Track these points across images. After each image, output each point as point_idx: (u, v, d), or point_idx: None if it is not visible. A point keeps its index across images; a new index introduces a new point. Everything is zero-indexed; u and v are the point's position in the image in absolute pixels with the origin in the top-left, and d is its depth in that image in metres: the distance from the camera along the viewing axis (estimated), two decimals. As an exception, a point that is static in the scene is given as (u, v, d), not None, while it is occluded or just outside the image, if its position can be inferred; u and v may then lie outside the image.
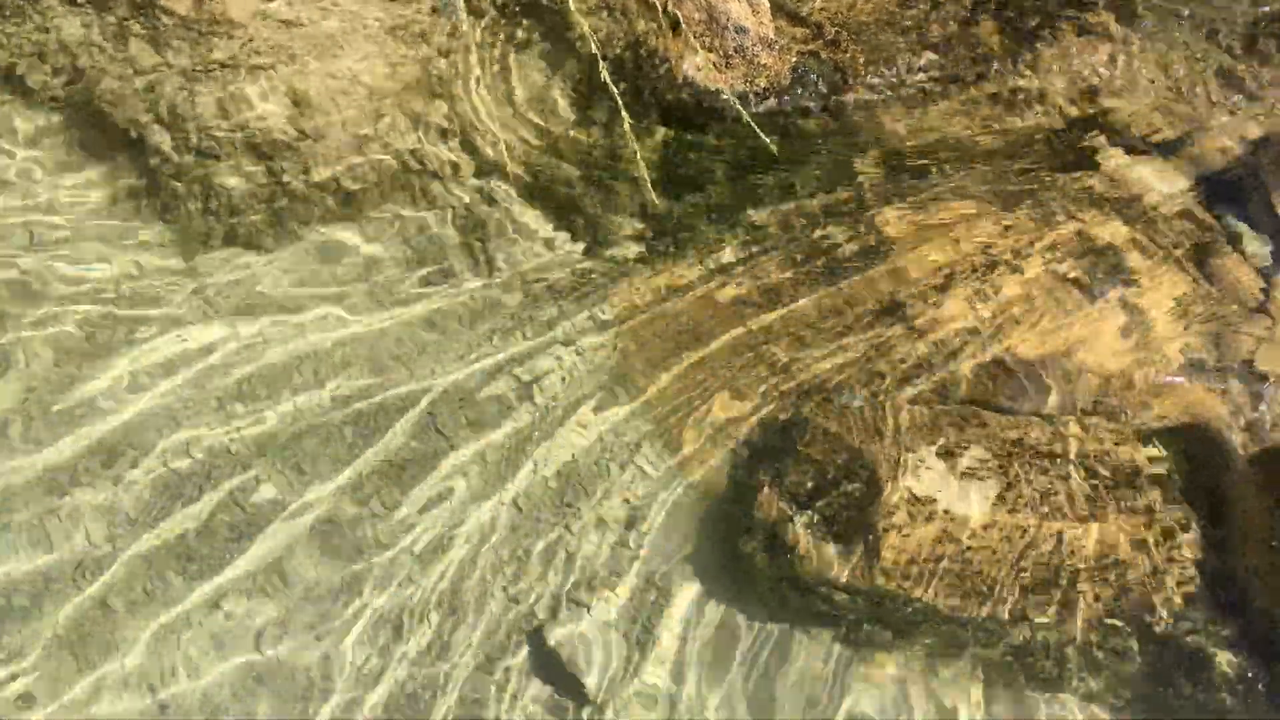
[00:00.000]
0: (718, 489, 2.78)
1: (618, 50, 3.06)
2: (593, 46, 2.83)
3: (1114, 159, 3.13)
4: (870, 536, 2.46)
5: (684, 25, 2.98)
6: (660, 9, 2.99)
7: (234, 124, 3.02)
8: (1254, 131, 3.12)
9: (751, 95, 3.03)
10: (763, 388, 2.87)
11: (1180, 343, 2.83)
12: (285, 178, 3.02)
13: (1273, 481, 2.29)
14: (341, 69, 3.11)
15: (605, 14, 3.11)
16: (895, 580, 2.43)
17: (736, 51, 2.98)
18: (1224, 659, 2.27)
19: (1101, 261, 2.93)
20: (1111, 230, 2.98)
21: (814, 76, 3.09)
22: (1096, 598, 2.37)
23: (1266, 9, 3.27)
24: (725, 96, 2.97)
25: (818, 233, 3.03)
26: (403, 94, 3.13)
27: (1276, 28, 3.26)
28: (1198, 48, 3.27)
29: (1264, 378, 2.76)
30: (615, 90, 2.78)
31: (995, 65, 3.19)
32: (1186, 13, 3.29)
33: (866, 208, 3.05)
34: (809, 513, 2.57)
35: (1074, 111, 3.19)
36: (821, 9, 3.21)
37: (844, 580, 2.46)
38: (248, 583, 2.54)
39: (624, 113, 2.79)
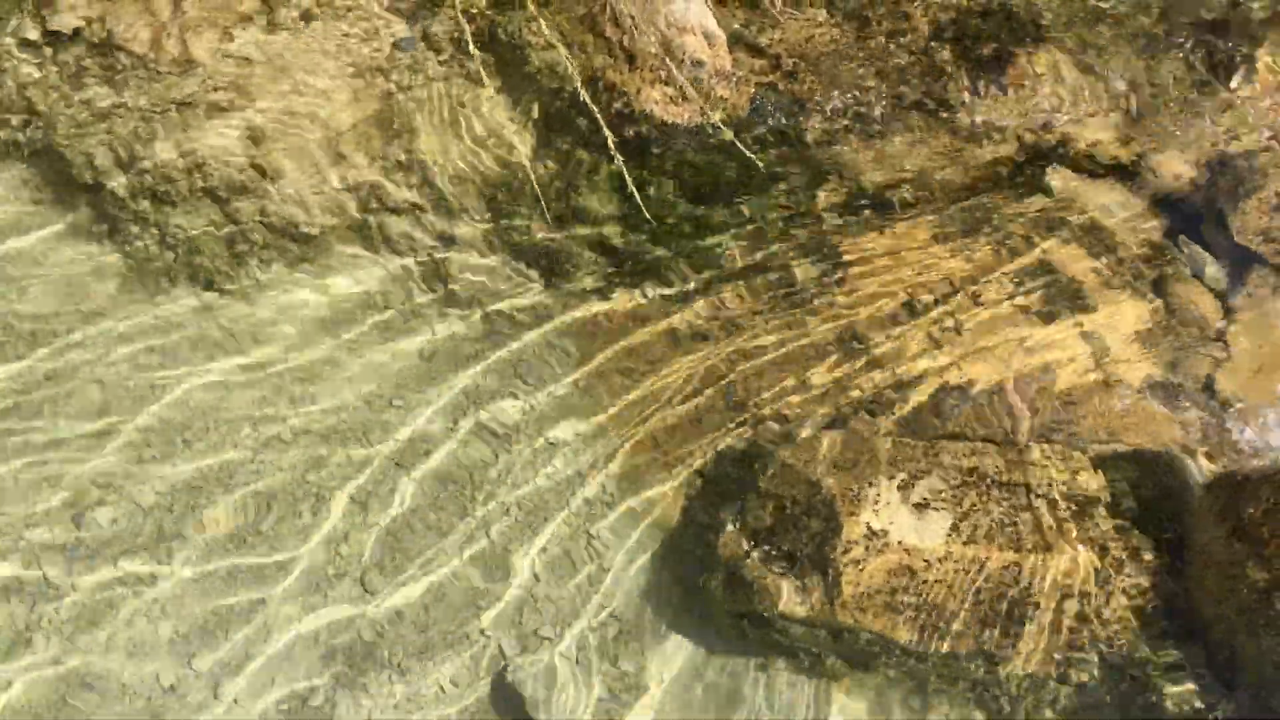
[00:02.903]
0: (679, 523, 2.78)
1: (576, 85, 3.07)
2: (572, 70, 2.83)
3: (1072, 186, 3.14)
4: (830, 571, 2.45)
5: (640, 59, 2.98)
6: (617, 43, 3.00)
7: (192, 164, 3.01)
8: (1210, 156, 3.13)
9: (709, 128, 3.04)
10: (723, 420, 2.87)
11: (1139, 368, 2.83)
12: (243, 218, 3.02)
13: (1230, 508, 2.29)
14: (301, 108, 3.11)
15: (562, 49, 3.11)
16: (854, 614, 2.42)
17: (693, 84, 2.99)
18: (1180, 689, 2.26)
19: (1060, 288, 2.93)
20: (1070, 257, 2.99)
21: (772, 108, 3.09)
22: (1054, 628, 2.36)
23: (1217, 36, 3.29)
24: (681, 130, 2.97)
25: (777, 263, 3.03)
26: (363, 132, 3.13)
27: (1227, 53, 3.28)
28: (1153, 73, 3.29)
29: (1223, 402, 2.75)
30: (595, 110, 2.78)
31: (953, 94, 3.20)
32: (1142, 39, 3.31)
33: (826, 237, 3.06)
34: (769, 548, 2.56)
35: (1031, 139, 3.21)
36: (780, 41, 3.22)
37: (803, 615, 2.45)
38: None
39: (606, 130, 2.79)
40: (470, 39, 3.16)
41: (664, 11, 2.98)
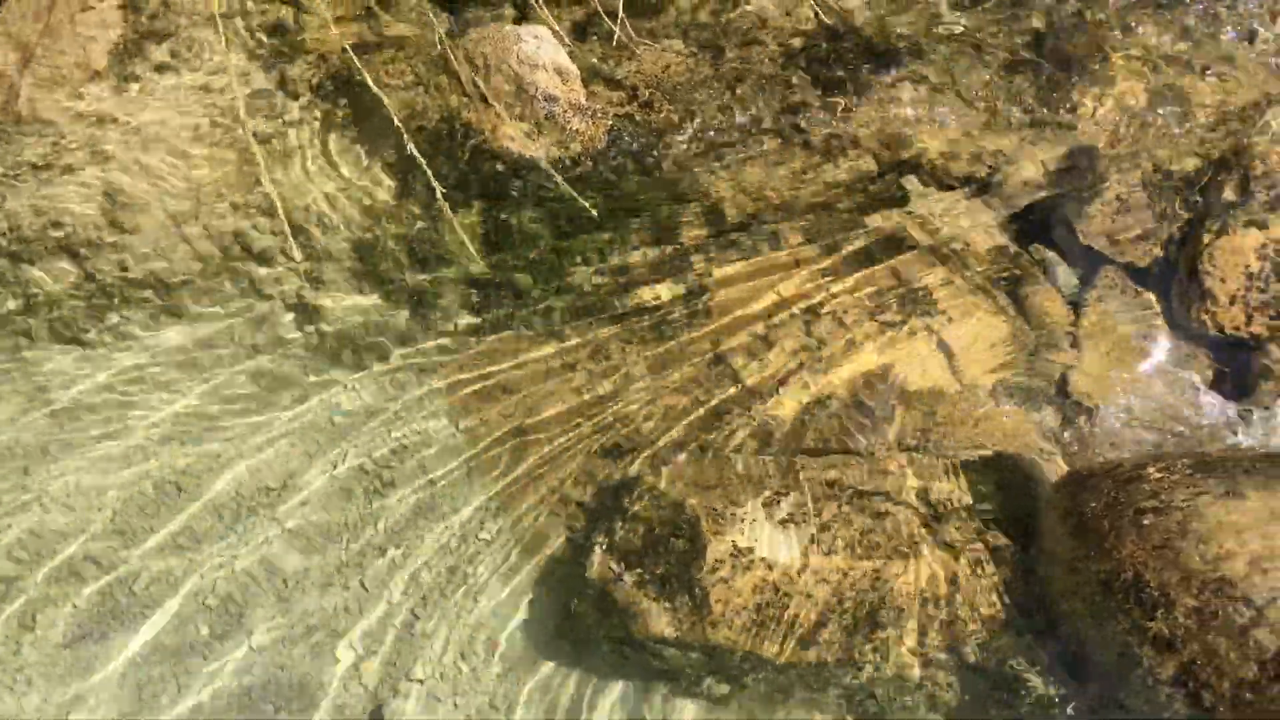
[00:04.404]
0: (554, 552, 2.79)
1: (433, 124, 3.09)
2: (396, 121, 2.86)
3: (926, 198, 3.22)
4: (697, 591, 2.47)
5: (494, 97, 3.01)
6: (471, 82, 3.03)
7: (47, 224, 2.98)
8: (1058, 161, 3.23)
9: (567, 160, 3.07)
10: (594, 448, 2.89)
11: (994, 373, 2.91)
12: (103, 276, 2.99)
13: (1076, 505, 2.36)
14: (157, 161, 3.09)
15: (419, 90, 3.14)
16: (724, 632, 2.44)
17: (548, 119, 3.03)
18: (1038, 683, 2.32)
19: (916, 299, 3.01)
20: (925, 268, 3.07)
21: (629, 138, 3.14)
22: (917, 632, 2.41)
23: (1060, 44, 3.41)
24: (540, 164, 3.01)
25: (643, 291, 3.07)
26: (223, 182, 3.12)
27: (1073, 65, 3.39)
28: (1003, 87, 3.39)
29: (1075, 401, 2.84)
30: (423, 162, 2.80)
31: (807, 116, 3.27)
32: (989, 52, 3.41)
33: (690, 263, 3.10)
34: (638, 571, 2.58)
35: (886, 155, 3.29)
36: (636, 72, 3.28)
37: (675, 636, 2.47)
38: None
39: (435, 183, 2.81)
40: (328, 84, 3.17)
41: (515, 50, 3.02)
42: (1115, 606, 2.18)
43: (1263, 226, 2.84)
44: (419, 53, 3.14)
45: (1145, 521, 2.21)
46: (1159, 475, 2.31)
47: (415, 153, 2.74)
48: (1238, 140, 3.00)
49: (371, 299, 3.07)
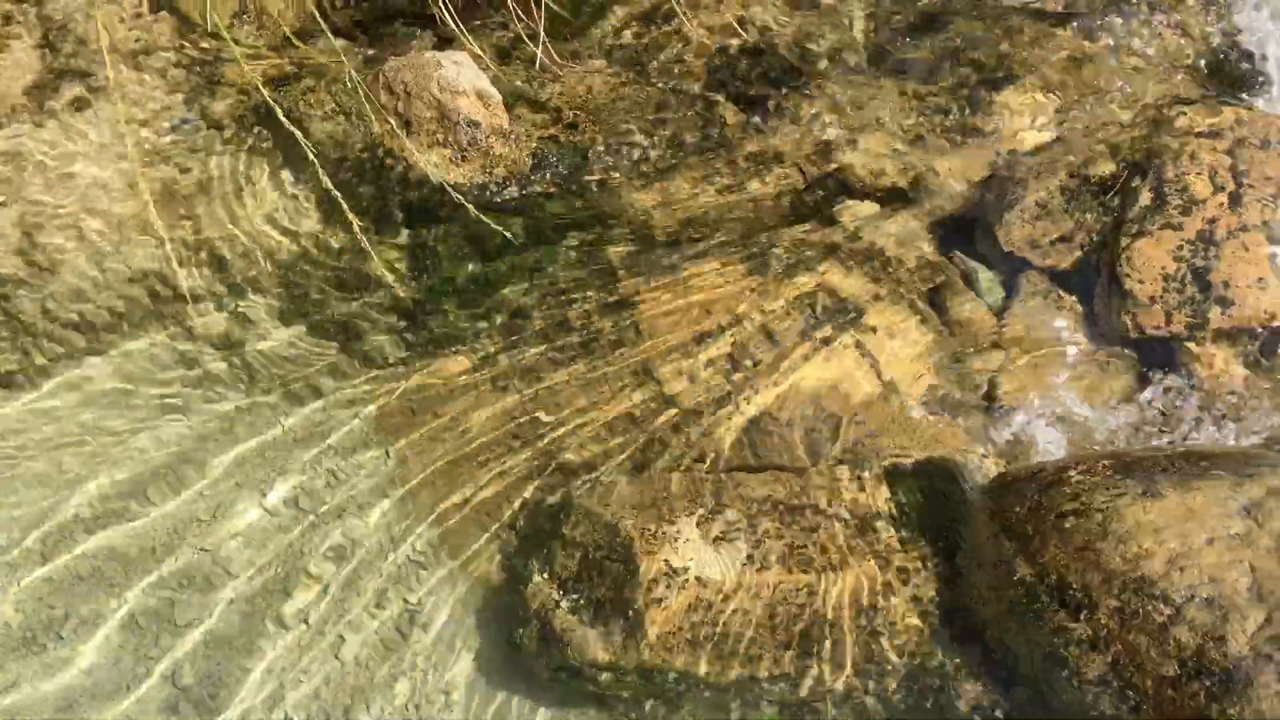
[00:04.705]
0: (493, 581, 2.78)
1: (356, 153, 3.08)
2: (310, 154, 2.85)
3: (851, 211, 3.26)
4: (632, 614, 2.47)
5: (416, 124, 3.01)
6: (393, 110, 3.03)
7: (-37, 265, 2.95)
8: (979, 171, 3.28)
9: (493, 185, 3.08)
10: (530, 473, 2.88)
11: (922, 381, 2.94)
12: (23, 316, 2.95)
13: (999, 509, 2.38)
14: (76, 199, 3.06)
15: (340, 119, 3.13)
16: (659, 654, 2.44)
17: (471, 145, 3.03)
18: (969, 689, 2.33)
19: (844, 312, 3.03)
20: (852, 281, 3.09)
21: (554, 160, 3.15)
22: (850, 643, 2.42)
23: (977, 56, 3.46)
24: (463, 190, 3.01)
25: (573, 312, 3.08)
26: (145, 217, 3.09)
27: (991, 71, 3.45)
28: (925, 99, 3.44)
29: (1001, 406, 2.87)
30: (338, 194, 2.79)
31: (732, 134, 3.30)
32: (908, 66, 3.46)
33: (618, 283, 3.11)
34: (575, 596, 2.58)
35: (812, 170, 3.32)
36: (560, 94, 3.29)
37: (610, 660, 2.47)
38: None
39: (350, 215, 2.80)
40: (249, 115, 3.15)
41: (436, 76, 3.02)
42: (1040, 610, 2.20)
43: (1177, 228, 2.89)
44: (339, 81, 3.13)
45: (1067, 524, 2.24)
46: (1080, 478, 2.34)
47: (329, 184, 2.73)
48: (1151, 144, 3.05)
49: (299, 331, 3.05)
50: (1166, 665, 1.99)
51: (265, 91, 2.92)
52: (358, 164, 3.06)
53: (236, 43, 3.11)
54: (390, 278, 3.04)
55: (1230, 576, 2.01)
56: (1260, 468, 2.23)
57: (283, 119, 2.85)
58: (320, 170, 2.84)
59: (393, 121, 3.02)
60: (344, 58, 3.07)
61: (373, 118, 3.05)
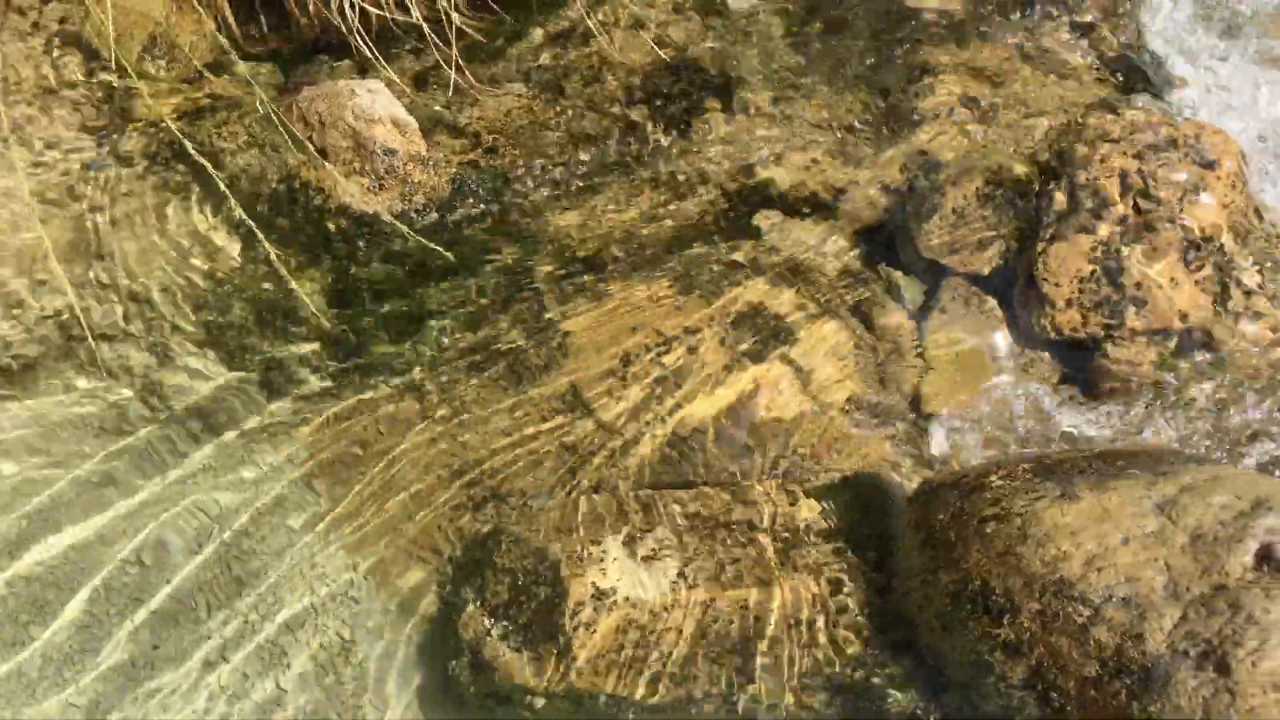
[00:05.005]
0: (427, 612, 2.75)
1: (273, 185, 3.05)
2: (222, 187, 2.82)
3: (775, 225, 3.27)
4: (561, 638, 2.45)
5: (333, 154, 2.99)
6: (308, 140, 3.00)
7: None
8: (897, 179, 3.31)
9: (413, 212, 3.06)
10: (461, 501, 2.86)
11: (848, 394, 2.95)
12: (-66, 362, 2.89)
13: (924, 517, 2.40)
14: (-14, 241, 3.01)
15: (256, 150, 3.10)
16: (590, 678, 2.42)
17: (388, 173, 3.01)
18: (900, 697, 2.34)
19: (768, 326, 3.04)
20: (777, 295, 3.11)
21: (475, 185, 3.14)
22: (783, 658, 2.42)
23: (895, 66, 3.50)
24: (384, 218, 2.99)
25: (499, 338, 3.06)
26: (59, 258, 3.04)
27: (908, 81, 3.49)
28: (846, 111, 3.47)
29: (925, 414, 2.89)
30: (253, 224, 2.76)
31: (654, 152, 3.31)
32: (827, 80, 3.49)
33: (545, 306, 3.10)
34: (505, 623, 2.56)
35: (735, 186, 3.33)
36: (479, 118, 3.28)
37: (542, 686, 2.45)
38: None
39: (268, 246, 2.78)
40: (164, 150, 3.11)
41: (350, 105, 3.00)
42: (965, 616, 2.21)
43: (1091, 231, 2.93)
44: (253, 113, 3.10)
45: (988, 530, 2.26)
46: (1000, 482, 2.36)
47: (244, 216, 2.70)
48: (1064, 149, 3.10)
49: (221, 368, 3.02)
50: (1088, 666, 2.01)
51: (174, 126, 2.88)
52: (275, 196, 3.03)
53: (143, 77, 3.07)
54: (312, 308, 3.01)
55: (1146, 575, 2.04)
56: (1174, 465, 2.26)
57: (193, 153, 2.81)
58: (234, 203, 2.80)
59: (308, 153, 2.99)
60: (256, 88, 3.04)
61: (290, 148, 3.02)
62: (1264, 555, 1.98)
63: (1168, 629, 1.97)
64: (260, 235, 2.76)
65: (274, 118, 2.91)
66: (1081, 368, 2.95)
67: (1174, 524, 2.10)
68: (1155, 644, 1.97)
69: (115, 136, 3.17)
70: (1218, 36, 3.76)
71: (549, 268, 3.15)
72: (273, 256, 2.81)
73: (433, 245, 3.02)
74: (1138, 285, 2.86)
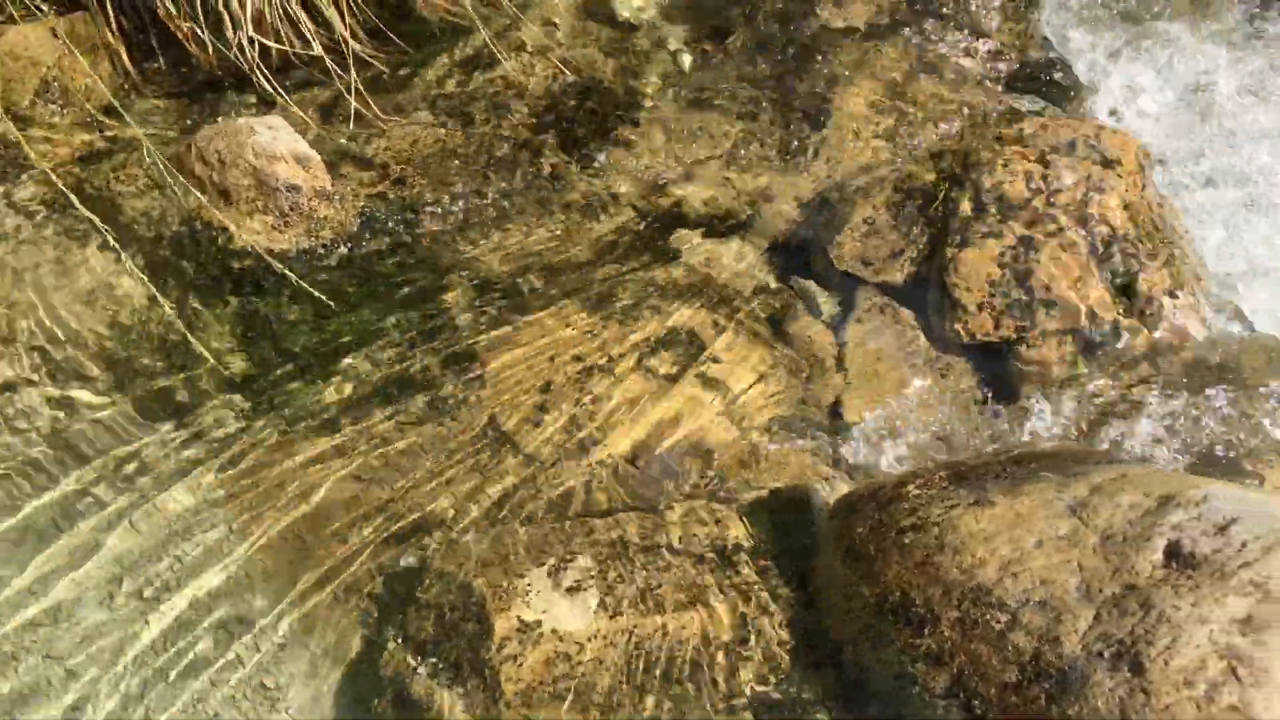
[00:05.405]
0: (351, 651, 2.70)
1: (175, 227, 2.99)
2: (110, 238, 2.76)
3: (690, 245, 3.27)
4: (488, 673, 2.42)
5: (234, 193, 2.94)
6: (208, 180, 2.95)
7: None
8: (808, 192, 3.32)
9: (320, 248, 3.01)
10: (383, 538, 2.81)
11: (770, 410, 2.95)
12: None
13: (845, 530, 2.39)
14: (-123, 298, 2.91)
15: (156, 193, 3.04)
16: (519, 712, 2.39)
17: (293, 210, 2.97)
18: (823, 715, 2.33)
19: (686, 347, 3.04)
20: (694, 315, 3.10)
21: (383, 217, 3.10)
22: (709, 682, 2.40)
23: (800, 79, 3.52)
24: (289, 255, 2.94)
25: (415, 370, 3.02)
26: (-45, 311, 2.96)
27: (814, 94, 3.51)
28: (754, 128, 3.48)
29: (847, 426, 2.90)
30: (142, 275, 2.70)
31: (564, 176, 3.29)
32: (734, 96, 3.50)
33: (460, 336, 3.07)
34: (434, 660, 2.52)
35: (647, 206, 3.33)
36: (386, 149, 3.24)
37: (470, 724, 2.41)
38: None
39: (159, 296, 2.72)
40: (61, 198, 3.04)
41: (250, 143, 2.95)
42: (887, 628, 2.21)
43: (998, 235, 2.96)
44: (149, 156, 3.04)
45: (906, 540, 2.26)
46: (917, 492, 2.36)
47: (133, 267, 2.64)
48: (969, 154, 3.13)
49: (130, 413, 2.94)
50: (1008, 671, 2.01)
51: (68, 172, 2.82)
52: (177, 238, 2.98)
53: (35, 123, 3.00)
54: (220, 351, 2.95)
55: (1060, 577, 2.05)
56: (1085, 465, 2.28)
57: (77, 205, 2.75)
58: (125, 256, 2.74)
59: (210, 193, 2.93)
60: (139, 133, 2.98)
61: (190, 190, 2.96)
62: (1171, 552, 2.00)
63: (1082, 631, 1.99)
64: (150, 284, 2.70)
65: (160, 161, 2.85)
66: (997, 371, 2.97)
67: (1085, 525, 2.12)
68: (1071, 646, 1.98)
69: (9, 185, 3.09)
70: (1116, 35, 3.83)
71: (463, 298, 3.12)
72: (167, 308, 2.75)
73: (340, 283, 2.97)
74: (1046, 287, 2.90)
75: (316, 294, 2.96)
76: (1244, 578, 1.90)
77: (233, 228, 2.93)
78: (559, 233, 3.25)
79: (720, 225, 3.32)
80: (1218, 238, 3.19)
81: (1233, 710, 1.80)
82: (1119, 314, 2.90)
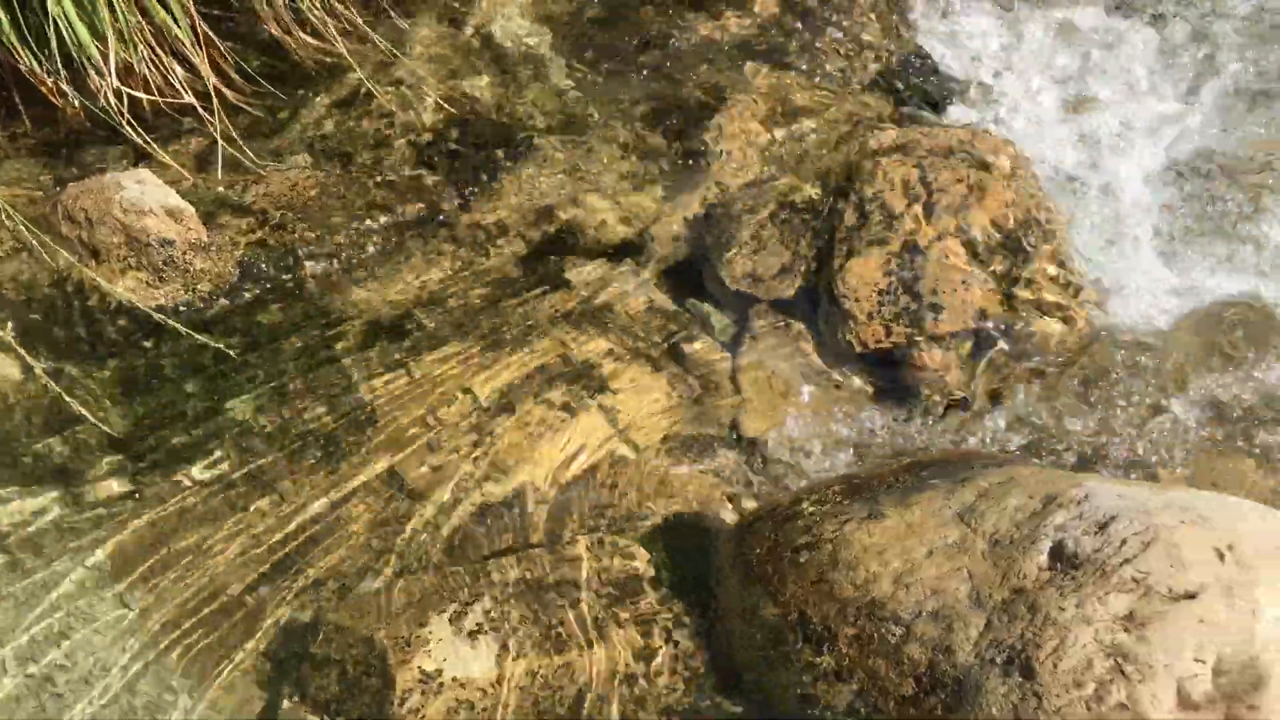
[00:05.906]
0: (253, 715, 2.62)
1: (44, 291, 2.90)
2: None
3: (580, 271, 3.25)
4: (390, 728, 2.36)
5: (104, 252, 2.86)
6: (76, 240, 2.86)
7: None
8: (696, 210, 3.32)
9: (198, 301, 2.94)
10: (278, 593, 2.74)
11: (668, 434, 2.93)
12: None
13: (743, 552, 2.38)
14: None
15: (24, 255, 2.95)
16: (424, 765, 2.34)
17: (167, 264, 2.89)
18: (733, 741, 2.32)
19: (581, 377, 3.01)
20: (587, 343, 3.08)
21: (264, 265, 3.04)
22: (619, 716, 2.37)
23: (683, 96, 3.52)
24: (166, 311, 2.86)
25: (305, 418, 2.96)
26: None
27: (698, 111, 3.51)
28: (641, 149, 3.47)
29: (747, 444, 2.89)
30: (14, 342, 2.62)
31: (448, 210, 3.25)
32: (616, 117, 3.48)
33: (350, 381, 3.01)
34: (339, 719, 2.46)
35: (536, 234, 3.30)
36: (264, 195, 3.18)
37: (375, 782, 2.35)
38: None
39: (26, 358, 2.63)
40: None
41: (117, 199, 2.87)
42: (787, 650, 2.19)
43: (883, 244, 2.98)
44: (10, 218, 2.95)
45: (802, 559, 2.25)
46: (812, 508, 2.36)
47: (3, 335, 2.55)
48: (850, 165, 3.14)
49: (10, 484, 2.84)
50: (905, 684, 2.01)
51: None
52: (48, 301, 2.89)
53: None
54: (101, 413, 2.86)
55: (951, 586, 2.05)
56: (972, 470, 2.29)
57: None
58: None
59: (79, 251, 2.85)
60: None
61: (57, 250, 2.87)
62: (1056, 553, 2.01)
63: (974, 638, 1.99)
64: (23, 352, 2.61)
65: (20, 223, 2.77)
66: (893, 378, 2.99)
67: (974, 531, 2.12)
68: (964, 655, 1.98)
69: None
70: (994, 39, 3.89)
71: (350, 340, 3.06)
72: (38, 371, 2.66)
73: (222, 335, 2.90)
74: (933, 291, 2.91)
75: (202, 343, 2.88)
76: (1125, 574, 1.91)
77: (105, 286, 2.84)
78: (447, 269, 3.21)
79: (612, 250, 3.30)
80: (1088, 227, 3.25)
81: (1121, 708, 1.81)
82: (1005, 311, 2.93)
